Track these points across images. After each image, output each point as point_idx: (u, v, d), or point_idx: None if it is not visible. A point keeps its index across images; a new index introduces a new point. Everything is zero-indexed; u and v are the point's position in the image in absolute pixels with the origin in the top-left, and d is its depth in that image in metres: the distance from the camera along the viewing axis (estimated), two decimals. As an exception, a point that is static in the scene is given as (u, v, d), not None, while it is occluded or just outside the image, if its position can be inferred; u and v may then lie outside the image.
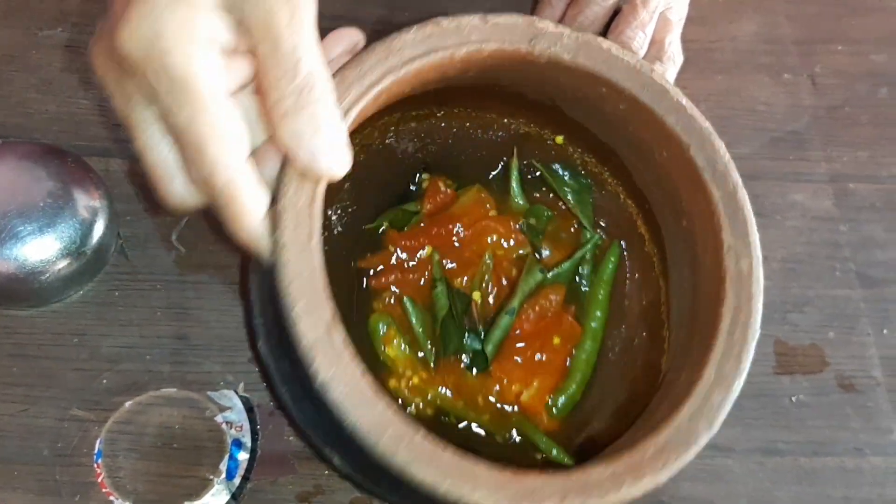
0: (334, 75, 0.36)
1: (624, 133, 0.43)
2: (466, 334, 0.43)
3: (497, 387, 0.43)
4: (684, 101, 0.41)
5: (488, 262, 0.44)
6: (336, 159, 0.33)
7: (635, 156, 0.44)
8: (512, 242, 0.45)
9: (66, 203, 0.44)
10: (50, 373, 0.44)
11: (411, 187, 0.46)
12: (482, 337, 0.43)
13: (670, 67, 0.53)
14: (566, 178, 0.47)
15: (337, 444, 0.39)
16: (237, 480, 0.43)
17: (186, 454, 0.43)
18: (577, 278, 0.46)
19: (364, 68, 0.37)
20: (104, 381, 0.44)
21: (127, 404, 0.43)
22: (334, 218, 0.44)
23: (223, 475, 0.42)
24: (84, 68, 0.52)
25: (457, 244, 0.45)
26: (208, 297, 0.47)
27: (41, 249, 0.44)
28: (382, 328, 0.43)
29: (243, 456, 0.43)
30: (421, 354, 0.43)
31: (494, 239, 0.45)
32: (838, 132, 0.57)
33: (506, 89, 0.44)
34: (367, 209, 0.45)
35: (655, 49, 0.52)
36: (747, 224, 0.39)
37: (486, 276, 0.44)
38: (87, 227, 0.45)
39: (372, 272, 0.44)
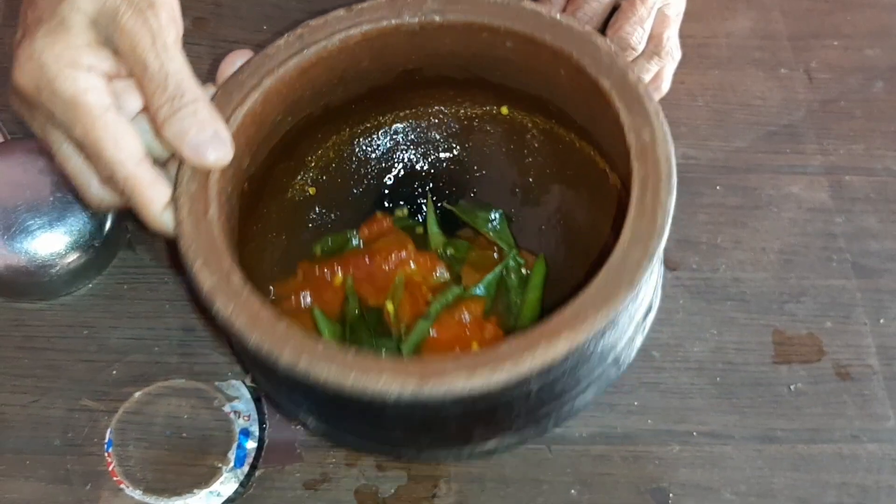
0: (218, 89, 0.40)
1: (527, 71, 0.44)
2: (376, 340, 0.45)
3: None
4: (558, 16, 0.42)
5: (400, 278, 0.46)
6: (216, 149, 0.37)
7: (552, 91, 0.45)
8: (436, 273, 0.47)
9: (75, 198, 0.45)
10: (59, 364, 0.45)
11: (384, 192, 0.49)
12: (399, 342, 0.45)
13: (668, 63, 0.53)
14: (479, 210, 0.49)
15: (300, 405, 0.40)
16: (245, 469, 0.43)
17: (195, 443, 0.43)
18: (508, 293, 0.47)
19: (242, 77, 0.40)
20: (113, 372, 0.45)
21: (136, 395, 0.44)
22: (307, 237, 0.47)
23: (231, 463, 0.43)
24: (90, 66, 0.53)
25: (373, 275, 0.47)
26: (215, 290, 0.47)
27: (50, 243, 0.45)
28: (319, 326, 0.44)
29: (251, 445, 0.44)
30: None
31: (413, 267, 0.47)
32: (833, 125, 0.58)
33: (424, 73, 0.45)
34: (337, 226, 0.48)
35: (654, 44, 0.52)
36: (642, 100, 0.40)
37: (399, 292, 0.46)
38: (96, 222, 0.46)
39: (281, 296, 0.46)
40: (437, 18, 0.42)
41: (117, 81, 0.37)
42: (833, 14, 0.63)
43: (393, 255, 0.46)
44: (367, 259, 0.46)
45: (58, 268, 0.45)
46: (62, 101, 0.36)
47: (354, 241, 0.48)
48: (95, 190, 0.39)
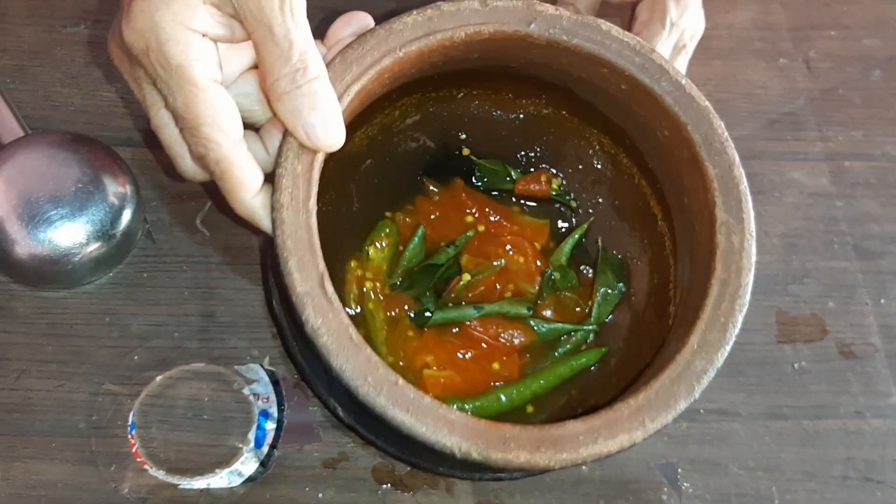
0: (336, 56, 0.39)
1: (629, 113, 0.44)
2: (429, 291, 0.46)
3: (415, 350, 0.45)
4: (683, 80, 0.42)
5: (498, 264, 0.47)
6: (331, 133, 0.36)
7: (642, 136, 0.45)
8: (532, 283, 0.47)
9: (95, 189, 0.46)
10: (83, 350, 0.46)
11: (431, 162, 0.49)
12: (439, 305, 0.46)
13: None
14: (612, 270, 0.48)
15: (338, 397, 0.41)
16: (265, 449, 0.45)
17: (216, 425, 0.45)
18: (553, 347, 0.47)
19: (365, 49, 0.39)
20: (135, 357, 0.46)
21: (158, 379, 0.45)
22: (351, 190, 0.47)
23: (251, 444, 0.44)
24: (107, 63, 0.54)
25: (492, 241, 0.48)
26: (232, 277, 0.49)
27: (72, 233, 0.46)
28: (383, 229, 0.46)
29: (270, 426, 0.45)
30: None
31: (521, 262, 0.47)
32: (833, 113, 0.59)
33: (516, 71, 0.45)
34: (382, 186, 0.48)
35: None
36: (742, 201, 0.40)
37: (486, 274, 0.47)
38: (116, 212, 0.47)
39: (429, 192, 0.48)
40: (566, 39, 0.41)
41: (221, 45, 0.35)
42: (831, 5, 0.64)
43: (519, 239, 0.47)
44: (502, 221, 0.48)
45: (80, 256, 0.46)
46: (167, 68, 0.34)
47: (508, 185, 0.49)
48: (188, 162, 0.38)
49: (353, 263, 0.46)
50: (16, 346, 0.46)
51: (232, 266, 0.49)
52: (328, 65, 0.37)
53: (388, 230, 0.47)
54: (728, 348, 0.38)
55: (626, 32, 0.43)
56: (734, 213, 0.40)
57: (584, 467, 0.46)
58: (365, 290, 0.46)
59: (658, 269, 0.46)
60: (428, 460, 0.42)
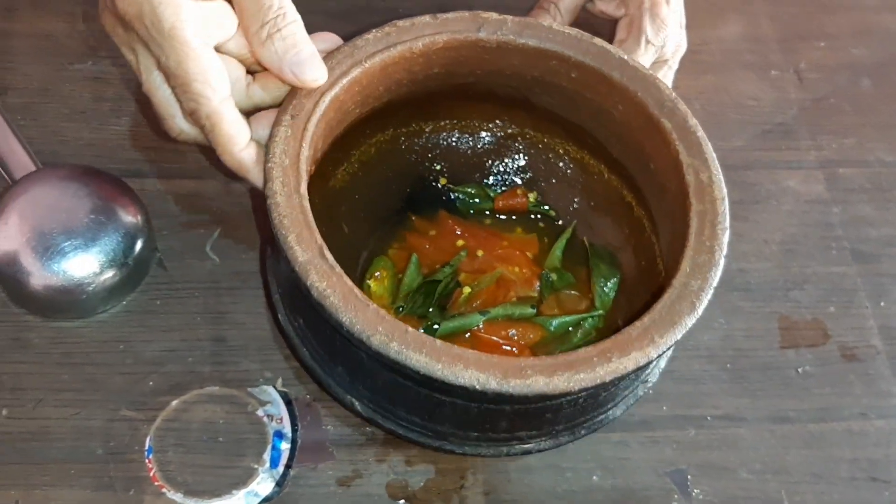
0: None
1: (583, 102, 0.47)
2: (433, 308, 0.47)
3: None
4: (625, 56, 0.45)
5: (494, 274, 0.48)
6: (314, 67, 0.40)
7: (600, 124, 0.48)
8: (533, 289, 0.49)
9: (106, 219, 0.48)
10: (98, 378, 0.47)
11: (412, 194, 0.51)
12: (445, 317, 0.47)
13: None
14: (605, 263, 0.50)
15: (354, 389, 0.43)
16: (280, 469, 0.45)
17: (231, 446, 0.45)
18: (564, 341, 0.48)
19: (333, 63, 0.43)
20: (150, 383, 0.47)
21: (173, 403, 0.46)
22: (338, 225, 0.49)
23: (267, 464, 0.45)
24: (114, 97, 0.56)
25: (485, 258, 0.50)
26: (242, 301, 0.50)
27: (86, 264, 0.47)
28: (379, 264, 0.48)
29: (285, 446, 0.46)
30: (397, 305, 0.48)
31: (517, 271, 0.49)
32: (825, 122, 0.61)
33: (475, 89, 0.48)
34: (367, 219, 0.50)
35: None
36: (701, 144, 0.43)
37: (486, 284, 0.48)
38: (128, 241, 0.48)
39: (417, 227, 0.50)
40: (515, 39, 0.45)
41: (206, 5, 0.39)
42: (818, 16, 0.66)
43: (511, 251, 0.49)
44: (492, 239, 0.50)
45: (93, 286, 0.47)
46: (160, 31, 0.37)
47: (487, 205, 0.52)
48: (178, 121, 0.41)
49: None
50: (32, 376, 0.47)
51: (241, 290, 0.50)
52: None
53: (383, 263, 0.49)
54: (720, 269, 0.40)
55: (566, 26, 0.46)
56: (697, 155, 0.43)
57: (594, 477, 0.47)
58: None
59: (644, 251, 0.48)
60: (451, 433, 0.43)
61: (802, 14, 0.66)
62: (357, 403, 0.43)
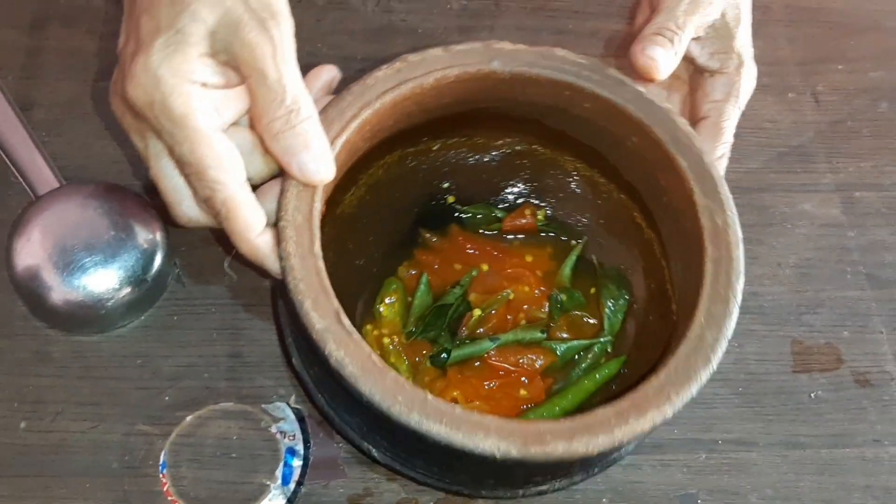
0: (318, 114, 0.41)
1: (597, 130, 0.47)
2: (444, 332, 0.47)
3: (441, 390, 0.46)
4: (641, 88, 0.45)
5: (504, 296, 0.49)
6: (321, 168, 0.39)
7: (613, 149, 0.47)
8: (542, 310, 0.49)
9: (126, 236, 0.48)
10: (116, 392, 0.48)
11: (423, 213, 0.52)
12: (457, 343, 0.47)
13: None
14: (613, 284, 0.50)
15: (370, 437, 0.43)
16: (292, 486, 0.46)
17: (244, 463, 0.46)
18: (574, 365, 0.49)
19: (343, 105, 0.42)
20: (166, 398, 0.48)
21: (188, 418, 0.47)
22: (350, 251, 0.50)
23: (279, 481, 0.46)
24: (137, 115, 0.57)
25: (495, 277, 0.50)
26: (259, 318, 0.50)
27: (106, 279, 0.48)
28: (390, 287, 0.48)
29: (297, 463, 0.46)
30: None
31: (526, 290, 0.49)
32: (841, 145, 0.61)
33: (486, 112, 0.48)
34: (379, 242, 0.51)
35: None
36: (717, 185, 0.42)
37: (496, 307, 0.48)
38: (147, 258, 0.49)
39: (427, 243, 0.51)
40: (528, 70, 0.44)
41: (216, 91, 0.38)
42: (837, 39, 0.66)
43: (521, 270, 0.50)
44: (502, 257, 0.50)
45: (113, 301, 0.48)
46: (170, 120, 0.36)
47: (496, 226, 0.52)
48: (186, 208, 0.40)
49: (368, 327, 0.48)
50: (52, 389, 0.48)
51: (258, 307, 0.51)
52: None
53: (394, 286, 0.49)
54: (734, 319, 0.40)
55: (580, 55, 0.45)
56: (712, 197, 0.42)
57: (604, 500, 0.47)
58: (384, 345, 0.47)
59: (653, 274, 0.48)
60: (470, 481, 0.43)
61: (821, 36, 0.66)
62: (374, 451, 0.43)
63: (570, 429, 0.37)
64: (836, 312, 0.54)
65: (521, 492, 0.44)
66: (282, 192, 0.40)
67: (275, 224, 0.39)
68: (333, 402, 0.44)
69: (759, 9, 0.67)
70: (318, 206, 0.40)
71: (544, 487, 0.43)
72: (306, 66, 0.60)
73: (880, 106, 0.63)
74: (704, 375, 0.39)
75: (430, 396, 0.37)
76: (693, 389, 0.38)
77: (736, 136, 0.60)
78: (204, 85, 0.37)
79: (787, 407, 0.50)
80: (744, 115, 0.61)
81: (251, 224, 0.38)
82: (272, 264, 0.39)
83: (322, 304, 0.38)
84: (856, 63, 0.65)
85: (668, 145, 0.43)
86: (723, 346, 0.39)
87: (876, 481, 0.48)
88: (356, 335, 0.37)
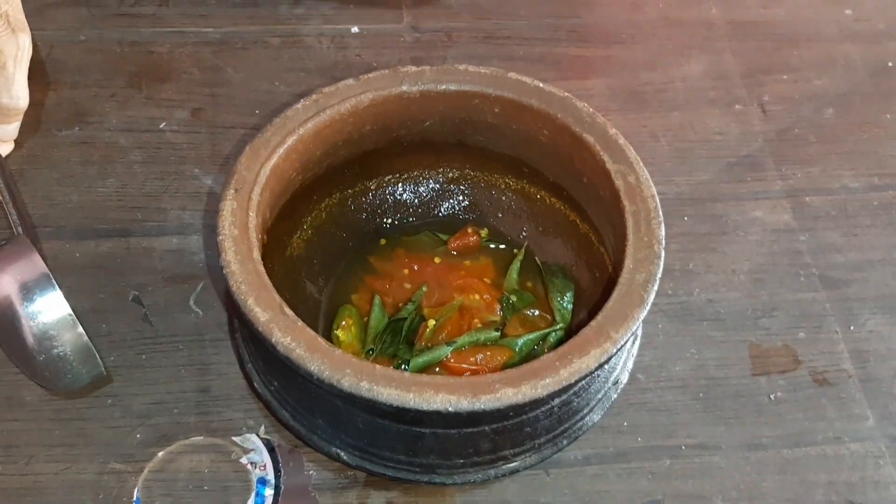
0: (246, 147, 0.45)
1: (512, 134, 0.50)
2: (402, 346, 0.49)
3: None
4: (540, 83, 0.48)
5: (456, 303, 0.50)
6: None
7: (532, 151, 0.50)
8: (495, 314, 0.51)
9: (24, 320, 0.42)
10: (88, 432, 0.49)
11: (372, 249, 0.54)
12: (415, 353, 0.49)
13: None
14: (559, 279, 0.52)
15: (337, 439, 0.44)
16: (264, 514, 0.47)
17: (216, 495, 0.47)
18: (532, 358, 0.49)
19: (267, 135, 0.46)
20: (137, 435, 0.49)
21: (160, 454, 0.48)
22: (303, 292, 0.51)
23: (251, 510, 0.46)
24: (100, 160, 0.58)
25: (445, 289, 0.52)
26: (225, 352, 0.51)
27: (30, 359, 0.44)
28: (344, 313, 0.50)
29: (268, 492, 0.47)
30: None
31: (477, 298, 0.51)
32: (789, 152, 0.62)
33: (409, 139, 0.50)
34: (329, 281, 0.52)
35: None
36: (624, 150, 0.46)
37: (449, 314, 0.50)
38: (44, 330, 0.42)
39: (376, 268, 0.52)
40: (435, 87, 0.48)
41: None
42: (781, 50, 0.68)
43: (470, 279, 0.51)
44: (450, 271, 0.52)
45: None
46: None
47: (442, 249, 0.53)
48: None
49: None
50: (24, 433, 0.48)
51: (224, 341, 0.52)
52: (242, 157, 0.45)
53: (347, 312, 0.50)
54: (661, 261, 0.42)
55: (482, 67, 0.49)
56: (622, 161, 0.46)
57: (572, 510, 0.48)
58: None
59: (595, 263, 0.50)
60: (438, 465, 0.44)
61: (765, 48, 0.68)
62: (342, 453, 0.44)
63: (516, 376, 0.38)
64: (791, 315, 0.55)
65: (492, 472, 0.44)
66: (218, 212, 0.43)
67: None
68: (297, 413, 0.45)
69: (703, 25, 0.70)
70: (254, 220, 0.43)
71: (515, 464, 0.44)
72: (265, 103, 0.62)
73: (826, 112, 0.64)
74: (640, 313, 0.40)
75: (378, 367, 0.38)
76: (631, 326, 0.40)
77: (686, 149, 0.62)
78: None
79: (747, 409, 0.51)
80: (693, 127, 0.63)
81: None
82: None
83: (265, 298, 0.40)
84: (800, 72, 0.67)
85: (574, 126, 0.46)
86: (654, 286, 0.41)
87: (838, 477, 0.49)
88: (300, 322, 0.39)
